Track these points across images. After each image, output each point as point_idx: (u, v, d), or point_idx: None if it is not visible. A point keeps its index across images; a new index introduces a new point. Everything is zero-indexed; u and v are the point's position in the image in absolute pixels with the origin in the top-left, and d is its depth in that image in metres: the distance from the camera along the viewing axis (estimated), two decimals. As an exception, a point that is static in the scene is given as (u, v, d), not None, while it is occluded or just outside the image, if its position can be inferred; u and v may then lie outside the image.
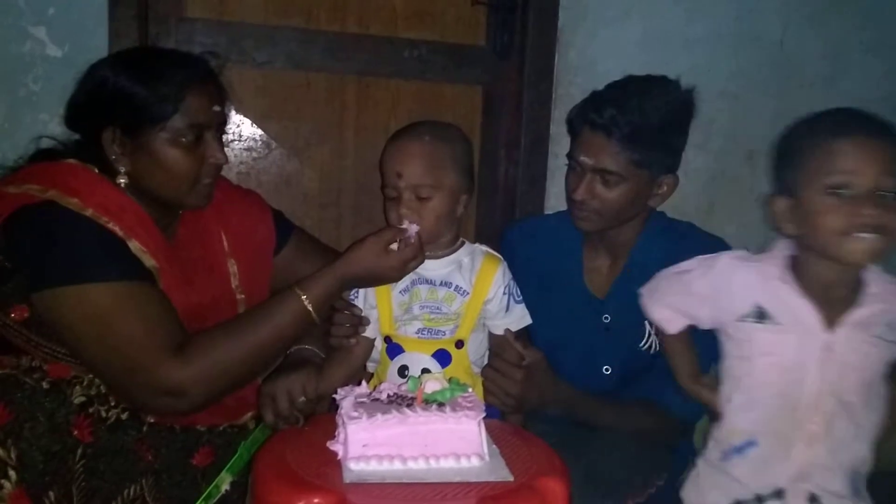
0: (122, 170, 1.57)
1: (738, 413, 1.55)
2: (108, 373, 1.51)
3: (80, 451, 1.51)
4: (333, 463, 1.26)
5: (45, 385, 1.51)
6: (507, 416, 1.66)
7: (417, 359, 1.59)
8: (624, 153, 1.78)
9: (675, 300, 1.62)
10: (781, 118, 2.61)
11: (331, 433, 1.31)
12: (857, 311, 1.47)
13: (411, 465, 1.24)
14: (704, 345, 1.63)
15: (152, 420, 1.57)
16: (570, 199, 1.90)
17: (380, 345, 1.64)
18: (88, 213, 1.49)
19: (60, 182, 1.51)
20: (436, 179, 1.57)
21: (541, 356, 1.67)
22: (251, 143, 2.42)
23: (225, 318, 1.62)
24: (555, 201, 2.46)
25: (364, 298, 1.64)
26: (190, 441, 1.63)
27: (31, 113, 2.11)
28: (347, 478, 1.22)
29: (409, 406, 1.29)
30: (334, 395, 1.38)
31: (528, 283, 1.70)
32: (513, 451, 1.33)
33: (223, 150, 1.63)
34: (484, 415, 1.30)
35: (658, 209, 1.96)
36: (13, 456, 1.45)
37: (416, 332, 1.59)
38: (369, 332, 1.64)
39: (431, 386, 1.33)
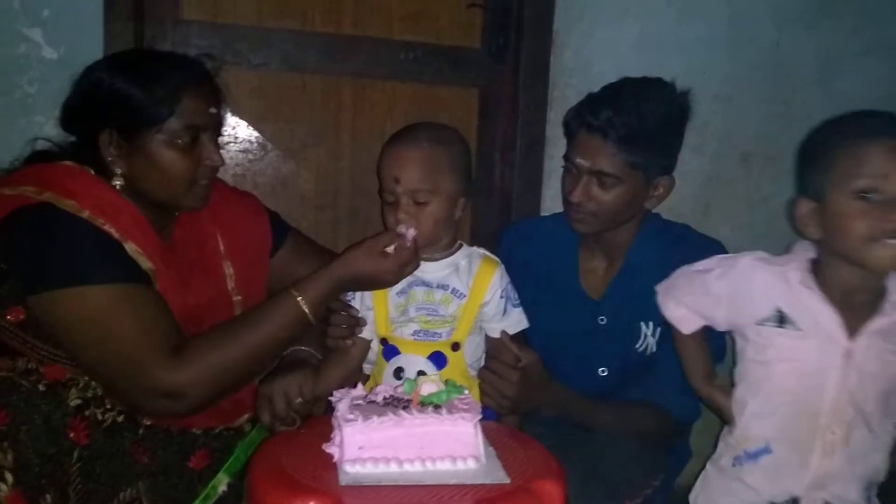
0: (119, 172, 1.57)
1: (753, 418, 1.53)
2: (104, 375, 1.51)
3: (76, 453, 1.51)
4: (329, 465, 1.26)
5: (41, 387, 1.51)
6: (503, 418, 1.66)
7: (413, 361, 1.59)
8: (620, 155, 1.79)
9: (691, 300, 1.60)
10: (776, 121, 2.65)
11: (327, 435, 1.31)
12: (878, 319, 1.45)
13: (407, 467, 1.24)
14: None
15: (148, 423, 1.57)
16: (566, 202, 1.90)
17: (376, 346, 1.64)
18: (85, 214, 1.49)
19: (57, 184, 1.51)
20: (433, 184, 1.57)
21: (537, 358, 1.67)
22: (247, 145, 2.42)
23: (221, 319, 1.62)
24: (551, 203, 2.46)
25: (361, 300, 1.64)
26: (186, 444, 1.63)
27: (26, 115, 2.10)
28: (343, 480, 1.22)
29: (405, 408, 1.29)
30: (330, 397, 1.38)
31: (524, 284, 1.70)
32: (509, 453, 1.33)
33: (219, 152, 1.63)
34: (480, 417, 1.30)
35: (654, 211, 1.96)
36: (9, 458, 1.45)
37: (413, 334, 1.59)
38: (366, 333, 1.64)
39: (427, 388, 1.33)
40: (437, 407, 1.30)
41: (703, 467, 1.68)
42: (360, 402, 1.34)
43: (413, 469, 1.25)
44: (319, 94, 2.45)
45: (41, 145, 1.65)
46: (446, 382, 1.37)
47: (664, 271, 1.73)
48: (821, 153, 1.47)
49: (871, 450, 1.50)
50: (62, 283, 1.46)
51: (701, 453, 2.03)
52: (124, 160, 1.56)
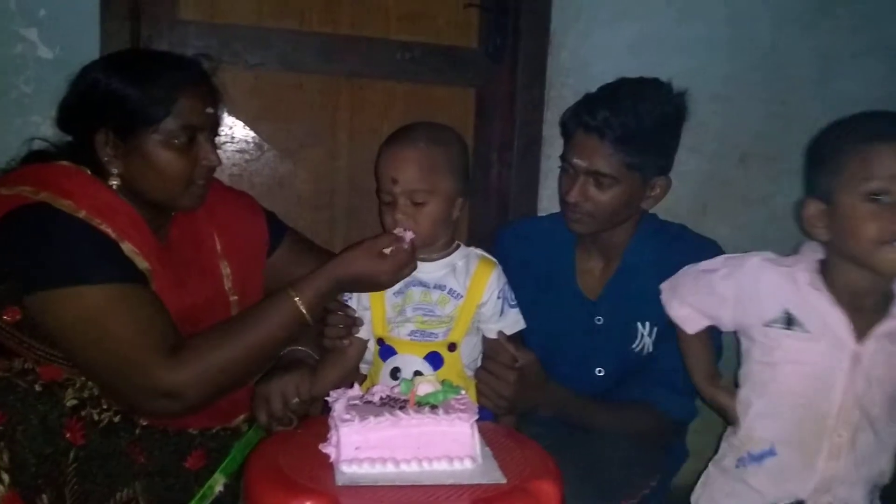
0: (115, 171, 1.56)
1: (758, 420, 1.52)
2: (101, 375, 1.51)
3: (72, 453, 1.51)
4: (326, 466, 1.26)
5: (37, 388, 1.52)
6: (500, 419, 1.66)
7: (410, 361, 1.58)
8: (617, 155, 1.79)
9: (697, 299, 1.59)
10: (774, 121, 2.65)
11: (323, 436, 1.30)
12: (887, 322, 1.45)
13: (404, 467, 1.24)
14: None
15: (145, 423, 1.57)
16: (563, 202, 1.91)
17: (373, 347, 1.64)
18: (81, 214, 1.49)
19: (53, 184, 1.51)
20: (431, 185, 1.57)
21: (534, 358, 1.67)
22: (244, 145, 2.42)
23: (218, 319, 1.62)
24: (548, 203, 2.46)
25: (358, 300, 1.64)
26: (183, 444, 1.63)
27: (22, 115, 2.10)
28: (340, 480, 1.21)
29: (401, 408, 1.29)
30: (327, 398, 1.38)
31: (521, 285, 1.70)
32: (506, 453, 1.33)
33: (216, 152, 1.63)
34: (477, 417, 1.30)
35: (650, 211, 1.96)
36: (6, 459, 1.45)
37: (409, 335, 1.59)
38: (363, 333, 1.63)
39: (424, 388, 1.33)
40: (433, 407, 1.30)
41: (704, 468, 1.68)
42: (357, 402, 1.33)
43: (410, 469, 1.24)
44: (317, 94, 2.45)
45: (38, 145, 1.65)
46: (443, 383, 1.36)
47: (661, 271, 1.73)
48: (830, 154, 1.45)
49: (877, 453, 1.50)
50: (59, 283, 1.46)
51: (698, 453, 2.04)
52: (121, 160, 1.56)
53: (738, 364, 1.61)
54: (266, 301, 1.60)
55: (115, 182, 1.57)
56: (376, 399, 1.34)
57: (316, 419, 1.51)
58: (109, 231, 1.51)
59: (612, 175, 1.80)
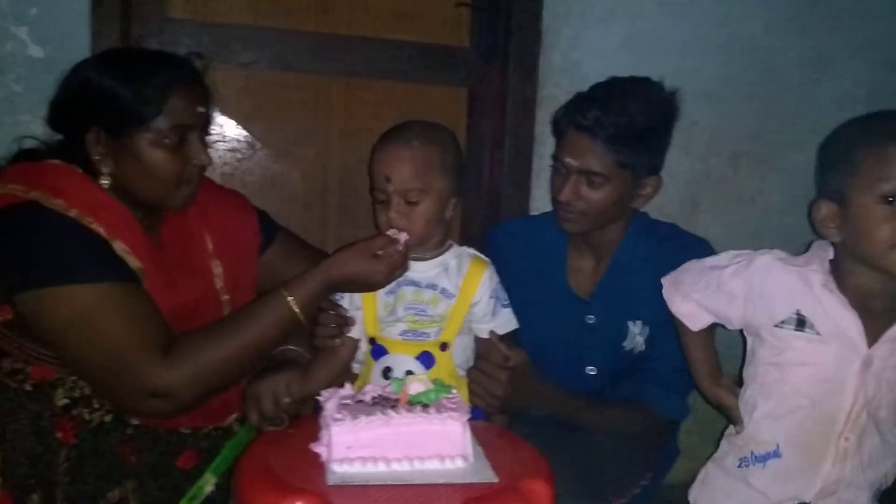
0: (106, 170, 1.56)
1: (763, 421, 1.52)
2: (93, 374, 1.50)
3: (63, 453, 1.51)
4: (317, 465, 1.26)
5: (28, 387, 1.52)
6: (491, 418, 1.66)
7: (401, 361, 1.58)
8: (609, 154, 1.79)
9: (703, 296, 1.58)
10: (765, 120, 2.66)
11: (315, 435, 1.30)
12: None
13: (395, 466, 1.24)
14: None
15: (136, 423, 1.57)
16: (554, 201, 1.91)
17: (364, 346, 1.64)
18: (72, 213, 1.48)
19: (44, 182, 1.50)
20: (425, 184, 1.57)
21: (525, 357, 1.67)
22: (236, 144, 2.41)
23: (210, 319, 1.61)
24: (539, 202, 2.46)
25: (350, 299, 1.64)
26: (174, 444, 1.63)
27: (12, 114, 2.09)
28: (331, 480, 1.21)
29: (393, 408, 1.29)
30: (318, 397, 1.38)
31: (512, 283, 1.70)
32: (497, 452, 1.33)
33: (207, 151, 1.62)
34: (468, 416, 1.30)
35: (642, 210, 1.96)
36: (-3, 458, 1.45)
37: (401, 334, 1.59)
38: (354, 332, 1.63)
39: (416, 387, 1.33)
40: (425, 406, 1.30)
41: (695, 466, 1.68)
42: (348, 401, 1.33)
43: (401, 468, 1.24)
44: (309, 93, 2.45)
45: (28, 144, 1.64)
46: (434, 382, 1.36)
47: (652, 270, 1.73)
48: (843, 155, 1.43)
49: (882, 457, 1.49)
50: (50, 282, 1.45)
51: (689, 452, 2.04)
52: (111, 159, 1.55)
53: (742, 362, 1.61)
54: (259, 300, 1.60)
55: (105, 181, 1.56)
56: (368, 398, 1.34)
57: (307, 419, 1.50)
58: (101, 230, 1.50)
59: (604, 174, 1.80)
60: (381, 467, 1.24)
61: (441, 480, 1.23)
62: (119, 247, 1.52)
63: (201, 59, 1.66)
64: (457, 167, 1.64)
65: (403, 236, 1.55)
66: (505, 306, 1.65)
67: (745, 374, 1.58)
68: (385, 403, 1.31)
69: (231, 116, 2.38)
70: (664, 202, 1.99)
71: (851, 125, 1.48)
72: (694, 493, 1.64)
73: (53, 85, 1.60)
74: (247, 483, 1.24)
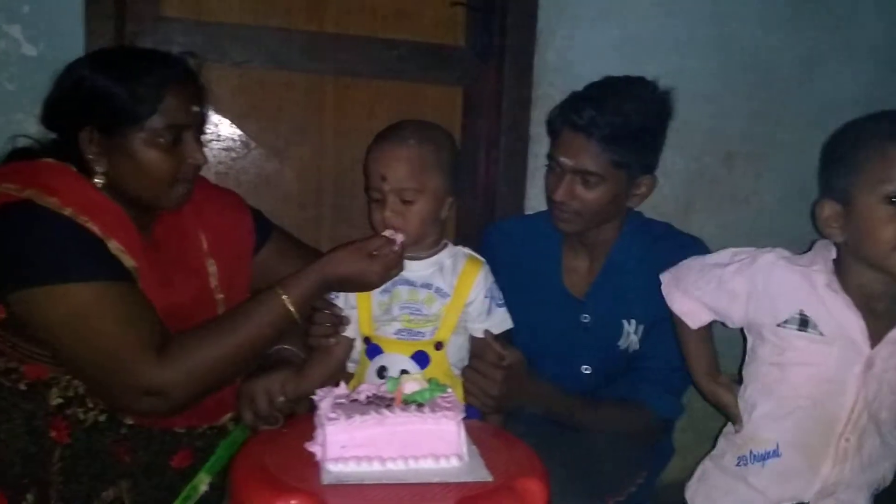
0: (100, 169, 1.55)
1: (763, 420, 1.51)
2: (88, 373, 1.50)
3: (57, 452, 1.51)
4: (312, 464, 1.26)
5: (22, 386, 1.52)
6: (486, 417, 1.66)
7: (396, 360, 1.58)
8: (603, 154, 1.79)
9: (703, 294, 1.57)
10: (759, 120, 2.67)
11: (309, 434, 1.30)
12: None
13: (390, 465, 1.24)
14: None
15: (130, 422, 1.57)
16: (549, 200, 1.91)
17: (359, 345, 1.64)
18: (67, 212, 1.48)
19: (38, 181, 1.50)
20: (420, 183, 1.57)
21: (520, 356, 1.67)
22: (230, 143, 2.41)
23: (204, 318, 1.61)
24: (535, 202, 2.46)
25: (345, 298, 1.64)
26: (168, 443, 1.62)
27: (5, 113, 2.08)
28: (325, 479, 1.21)
29: (387, 407, 1.29)
30: (313, 396, 1.38)
31: (507, 283, 1.70)
32: (492, 451, 1.33)
33: (202, 150, 1.62)
34: (463, 415, 1.30)
35: (637, 209, 1.97)
36: (-10, 458, 1.44)
37: (395, 333, 1.59)
38: (349, 332, 1.63)
39: (410, 387, 1.33)
40: (420, 405, 1.30)
41: (690, 465, 1.68)
42: (343, 400, 1.33)
43: (396, 467, 1.24)
44: (303, 92, 2.45)
45: (22, 142, 1.64)
46: (429, 381, 1.36)
47: (647, 269, 1.74)
48: (848, 154, 1.43)
49: (881, 458, 1.49)
50: (44, 281, 1.45)
51: (684, 450, 2.05)
52: (105, 158, 1.55)
53: (742, 361, 1.60)
54: (254, 299, 1.60)
55: (99, 180, 1.56)
56: (362, 398, 1.34)
57: (302, 418, 1.50)
58: (95, 229, 1.50)
59: (599, 173, 1.80)
60: (376, 466, 1.24)
61: (436, 479, 1.22)
62: (113, 246, 1.51)
63: (195, 58, 1.66)
64: (452, 167, 1.64)
65: (400, 237, 1.55)
66: (500, 306, 1.65)
67: (744, 373, 1.57)
68: (380, 402, 1.31)
69: (225, 115, 2.38)
70: (658, 202, 1.99)
71: (856, 125, 1.47)
72: (691, 491, 1.64)
73: (47, 83, 1.60)
74: (242, 482, 1.23)
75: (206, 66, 1.68)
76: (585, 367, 1.95)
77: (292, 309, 1.55)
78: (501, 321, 1.65)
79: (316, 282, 1.56)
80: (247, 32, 2.34)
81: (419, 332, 1.58)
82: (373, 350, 1.61)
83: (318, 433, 1.28)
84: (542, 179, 2.01)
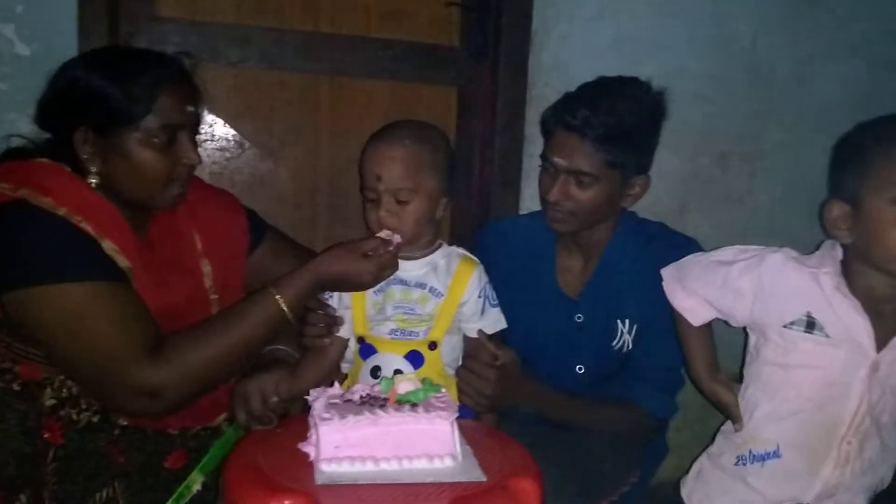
0: (94, 169, 1.55)
1: (764, 420, 1.51)
2: (82, 373, 1.50)
3: (51, 453, 1.51)
4: (305, 464, 1.26)
5: (15, 387, 1.51)
6: (480, 417, 1.66)
7: (390, 360, 1.58)
8: (597, 154, 1.79)
9: (707, 291, 1.56)
10: (754, 120, 2.67)
11: (303, 434, 1.30)
12: None
13: (384, 466, 1.24)
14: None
15: (124, 423, 1.57)
16: (543, 201, 1.91)
17: (353, 345, 1.64)
18: (61, 212, 1.47)
19: (32, 181, 1.50)
20: (415, 183, 1.57)
21: (514, 356, 1.67)
22: (225, 143, 2.41)
23: (199, 318, 1.60)
24: (529, 202, 2.47)
25: (339, 298, 1.64)
26: (162, 444, 1.62)
27: (-2, 112, 2.08)
28: (319, 479, 1.21)
29: (381, 407, 1.29)
30: (307, 396, 1.38)
31: (501, 283, 1.70)
32: (486, 451, 1.33)
33: (197, 150, 1.62)
34: (457, 415, 1.30)
35: (631, 209, 1.97)
36: (-16, 458, 1.44)
37: (389, 333, 1.59)
38: (343, 332, 1.63)
39: (404, 387, 1.33)
40: (413, 405, 1.30)
41: (684, 464, 1.68)
42: (337, 401, 1.33)
43: (390, 468, 1.24)
44: (297, 92, 2.45)
45: (15, 142, 1.64)
46: (423, 381, 1.36)
47: (640, 269, 1.74)
48: (858, 156, 1.42)
49: (882, 461, 1.49)
50: (39, 281, 1.44)
51: (678, 450, 2.05)
52: (100, 158, 1.55)
53: (742, 360, 1.60)
54: (248, 299, 1.59)
55: (94, 180, 1.55)
56: (356, 398, 1.34)
57: (295, 418, 1.50)
58: (89, 229, 1.50)
59: (593, 174, 1.80)
60: (370, 466, 1.24)
61: (429, 479, 1.22)
62: (108, 246, 1.51)
63: (190, 57, 1.66)
64: (447, 167, 1.64)
65: (396, 238, 1.55)
66: (494, 306, 1.65)
67: (746, 373, 1.57)
68: (373, 403, 1.31)
69: (220, 115, 2.38)
70: (653, 202, 1.99)
71: (868, 126, 1.46)
72: (688, 488, 1.64)
73: (40, 83, 1.59)
74: (235, 482, 1.23)
75: (201, 65, 1.68)
76: (579, 366, 1.95)
77: (286, 309, 1.55)
78: (495, 321, 1.65)
79: (310, 281, 1.56)
80: (241, 32, 2.34)
81: (413, 332, 1.58)
82: (366, 350, 1.61)
83: (312, 433, 1.28)
84: (536, 180, 2.01)
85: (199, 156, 1.62)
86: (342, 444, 1.24)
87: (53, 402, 1.52)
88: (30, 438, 1.50)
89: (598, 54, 2.47)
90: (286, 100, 2.44)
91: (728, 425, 1.60)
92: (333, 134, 2.48)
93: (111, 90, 1.52)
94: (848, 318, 1.43)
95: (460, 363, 1.65)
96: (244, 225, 1.83)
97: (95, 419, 1.54)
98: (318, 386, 1.41)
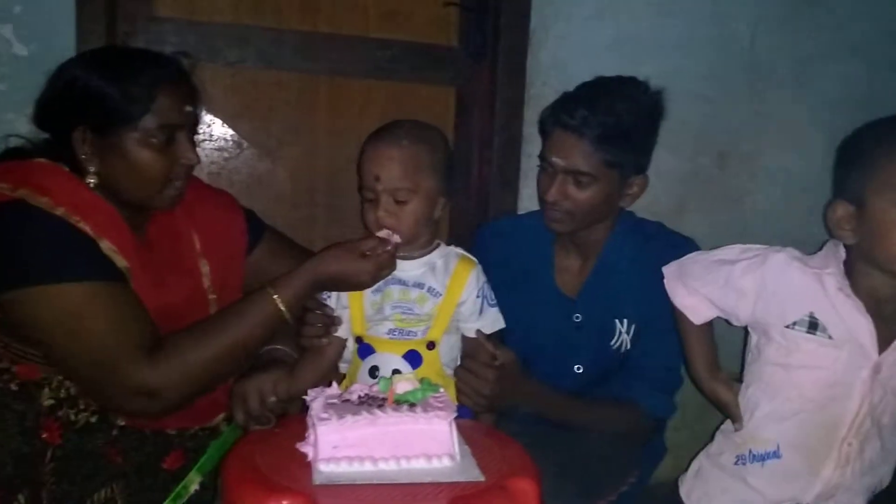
0: (92, 169, 1.55)
1: (765, 420, 1.51)
2: (80, 373, 1.50)
3: (49, 453, 1.51)
4: (303, 464, 1.25)
5: (13, 387, 1.52)
6: (479, 416, 1.66)
7: (388, 359, 1.58)
8: (595, 154, 1.79)
9: (710, 290, 1.56)
10: (752, 120, 2.67)
11: (301, 435, 1.30)
12: None
13: (382, 466, 1.24)
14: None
15: (122, 423, 1.57)
16: (541, 200, 1.91)
17: (351, 345, 1.63)
18: (59, 212, 1.47)
19: (31, 181, 1.50)
20: (414, 183, 1.56)
21: (513, 356, 1.67)
22: (223, 143, 2.41)
23: (197, 318, 1.61)
24: (528, 202, 2.47)
25: (337, 298, 1.64)
26: (160, 444, 1.62)
27: (-3, 112, 2.08)
28: (317, 479, 1.21)
29: (379, 407, 1.29)
30: (305, 396, 1.38)
31: (500, 282, 1.70)
32: (484, 451, 1.33)
33: (195, 150, 1.62)
34: (455, 415, 1.30)
35: (629, 209, 1.97)
36: (-18, 459, 1.44)
37: (387, 333, 1.59)
38: (341, 332, 1.63)
39: (403, 386, 1.33)
40: (412, 405, 1.29)
41: (686, 464, 1.68)
42: (335, 401, 1.33)
43: (388, 468, 1.24)
44: (295, 92, 2.45)
45: (14, 142, 1.64)
46: (421, 381, 1.36)
47: (639, 269, 1.74)
48: (862, 157, 1.42)
49: (881, 462, 1.50)
50: (37, 281, 1.44)
51: (677, 449, 2.05)
52: (98, 158, 1.55)
53: (743, 359, 1.60)
54: (245, 299, 1.59)
55: (92, 180, 1.55)
56: (354, 398, 1.33)
57: (294, 418, 1.50)
58: (87, 229, 1.50)
59: (591, 173, 1.80)
60: (368, 466, 1.24)
61: (428, 479, 1.22)
62: (106, 246, 1.51)
63: (188, 57, 1.66)
64: (446, 167, 1.64)
65: (395, 238, 1.55)
66: (492, 306, 1.65)
67: (747, 372, 1.57)
68: (372, 402, 1.31)
69: (217, 115, 2.38)
70: (651, 201, 1.99)
71: (872, 127, 1.46)
72: (686, 487, 1.64)
73: (38, 83, 1.59)
74: (233, 482, 1.23)
75: (199, 65, 1.68)
76: (578, 366, 1.95)
77: (283, 308, 1.55)
78: (494, 321, 1.65)
79: (307, 281, 1.56)
80: (239, 32, 2.34)
81: (411, 332, 1.58)
82: (365, 350, 1.60)
83: (310, 433, 1.28)
84: (534, 179, 2.01)
85: (197, 156, 1.62)
86: (340, 444, 1.24)
87: (51, 402, 1.52)
88: (28, 438, 1.50)
89: (597, 54, 2.46)
90: (284, 100, 2.44)
91: (728, 424, 1.60)
92: (331, 134, 2.48)
93: (109, 90, 1.52)
94: (851, 320, 1.43)
95: (459, 363, 1.65)
96: (242, 225, 1.83)
97: (93, 419, 1.54)
98: (316, 386, 1.41)
